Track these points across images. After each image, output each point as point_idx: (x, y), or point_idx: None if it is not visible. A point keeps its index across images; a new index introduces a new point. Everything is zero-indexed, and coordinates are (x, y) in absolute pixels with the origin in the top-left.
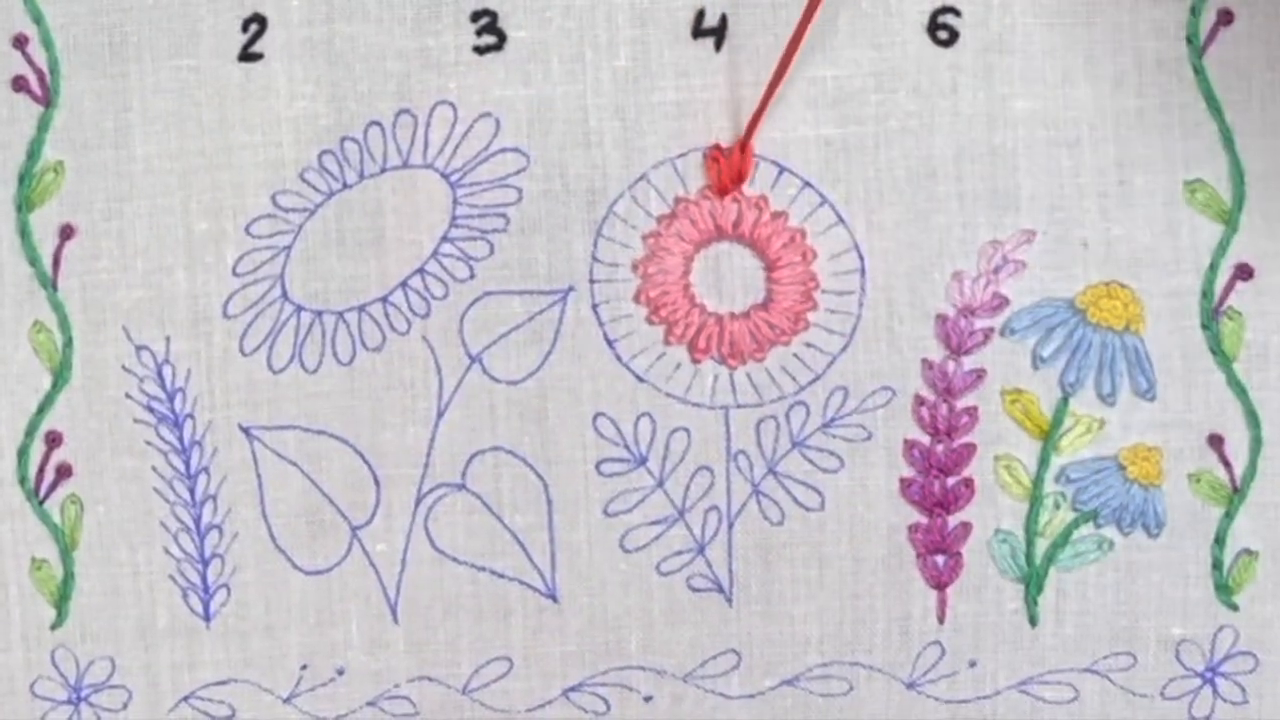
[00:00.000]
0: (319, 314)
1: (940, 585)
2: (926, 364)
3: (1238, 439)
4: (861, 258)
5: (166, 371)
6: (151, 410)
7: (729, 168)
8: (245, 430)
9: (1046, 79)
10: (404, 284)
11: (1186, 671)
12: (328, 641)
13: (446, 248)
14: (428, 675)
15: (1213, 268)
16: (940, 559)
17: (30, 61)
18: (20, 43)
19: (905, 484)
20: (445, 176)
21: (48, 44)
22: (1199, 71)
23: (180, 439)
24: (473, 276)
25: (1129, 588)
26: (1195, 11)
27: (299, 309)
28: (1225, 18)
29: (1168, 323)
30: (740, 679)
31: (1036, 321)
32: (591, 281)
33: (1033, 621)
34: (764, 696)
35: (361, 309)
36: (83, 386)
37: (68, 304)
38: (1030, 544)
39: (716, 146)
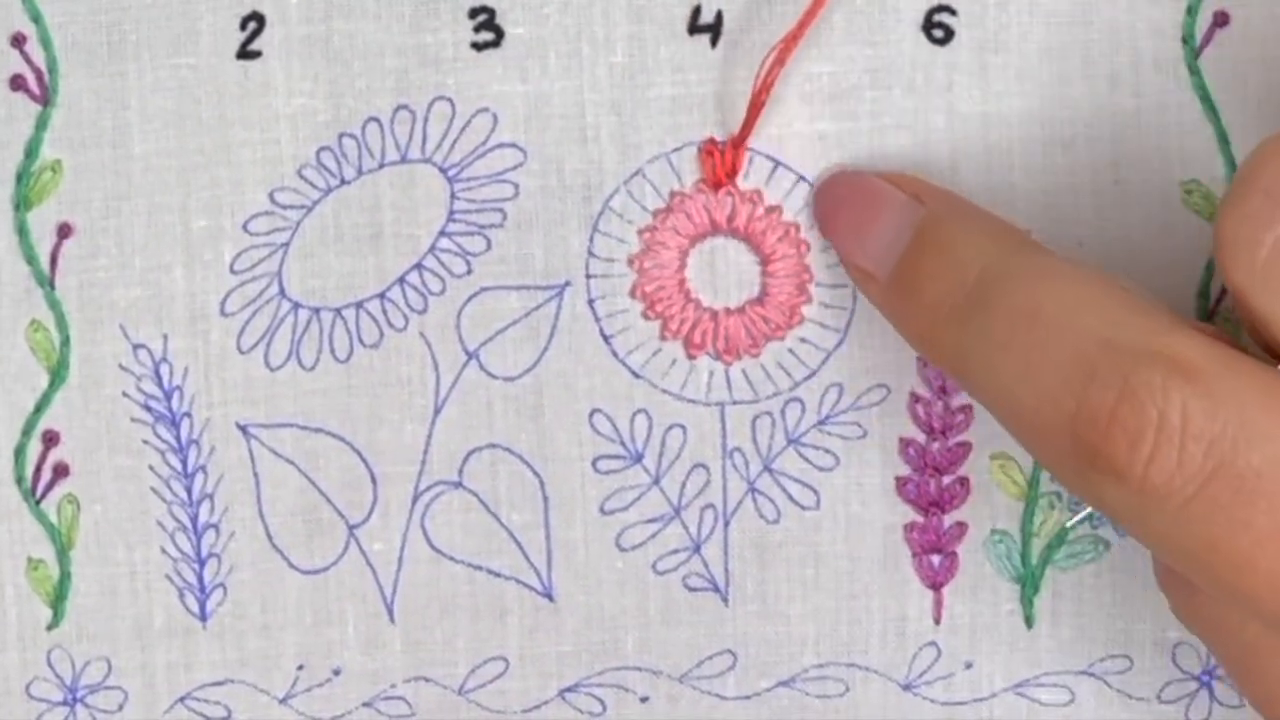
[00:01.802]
0: (316, 311)
1: (936, 585)
2: (921, 361)
3: None
4: None
5: (164, 370)
6: (149, 409)
7: (723, 162)
8: (242, 428)
9: (1042, 78)
10: (402, 280)
11: (1183, 675)
12: (324, 641)
13: (444, 243)
14: (424, 676)
15: (1208, 269)
16: (936, 559)
17: (28, 60)
18: (18, 41)
19: (901, 482)
20: (443, 172)
21: (46, 43)
22: (1195, 72)
23: (177, 438)
24: (470, 272)
25: (1125, 589)
26: (1192, 12)
27: (296, 306)
28: (1221, 19)
29: None
30: (736, 680)
31: None
32: (588, 277)
33: (1029, 623)
34: (760, 697)
35: (359, 305)
36: (80, 385)
37: (65, 303)
38: (1026, 544)
39: (711, 140)
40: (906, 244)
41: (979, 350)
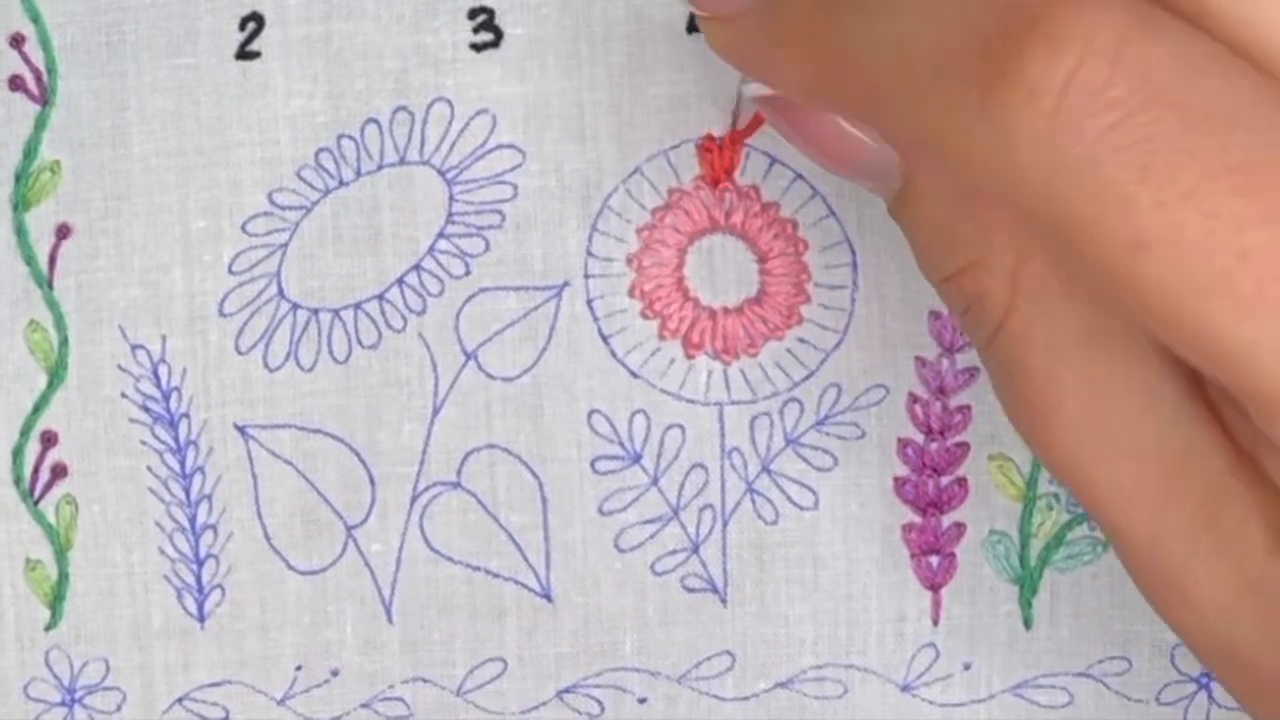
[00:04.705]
0: (315, 312)
1: (934, 586)
2: (920, 361)
3: None
4: (853, 251)
5: (162, 370)
6: (147, 410)
7: (721, 158)
8: (241, 429)
9: None
10: (400, 281)
11: (1181, 676)
12: (322, 642)
13: (443, 244)
14: (422, 676)
15: None
16: (934, 559)
17: (27, 61)
18: (17, 42)
19: (899, 483)
20: (442, 174)
21: (45, 43)
22: None
23: (175, 438)
24: (469, 273)
25: (1123, 591)
26: None
27: (295, 307)
28: None
29: None
30: (735, 681)
31: None
32: (586, 276)
33: (1027, 624)
34: (758, 699)
35: (358, 307)
36: (78, 386)
37: (64, 303)
38: (1025, 545)
39: (709, 137)
40: None
41: (872, 7)
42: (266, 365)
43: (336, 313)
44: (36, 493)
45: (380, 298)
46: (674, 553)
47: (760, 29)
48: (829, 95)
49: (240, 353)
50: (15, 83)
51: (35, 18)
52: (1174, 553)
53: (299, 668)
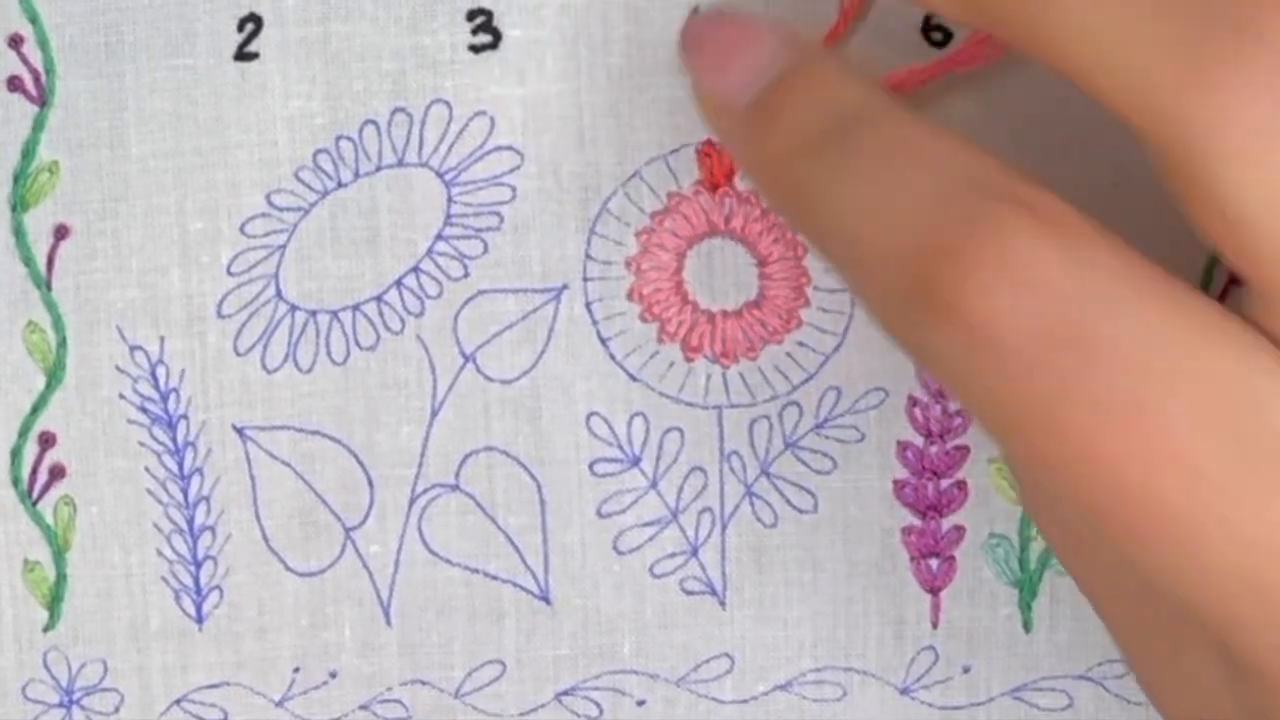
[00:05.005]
0: (313, 313)
1: (934, 589)
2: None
3: None
4: None
5: (160, 372)
6: (145, 411)
7: (720, 163)
8: (239, 431)
9: (1040, 81)
10: (399, 282)
11: None
12: (320, 644)
13: (441, 246)
14: (420, 679)
15: (1208, 271)
16: (934, 563)
17: (25, 61)
18: (16, 43)
19: (899, 486)
20: (440, 175)
21: (43, 44)
22: None
23: (174, 440)
24: (467, 275)
25: None
26: None
27: (293, 308)
28: None
29: None
30: (733, 683)
31: None
32: (585, 279)
33: (1027, 627)
34: (757, 701)
35: (356, 308)
36: (76, 387)
37: (62, 304)
38: (1024, 548)
39: (709, 141)
40: (775, 74)
41: (828, 179)
42: (265, 367)
43: (335, 314)
44: (35, 494)
45: (378, 299)
46: (673, 555)
47: (746, 147)
48: (796, 231)
49: (238, 354)
50: (13, 83)
51: (33, 18)
52: (1147, 667)
53: (297, 669)
